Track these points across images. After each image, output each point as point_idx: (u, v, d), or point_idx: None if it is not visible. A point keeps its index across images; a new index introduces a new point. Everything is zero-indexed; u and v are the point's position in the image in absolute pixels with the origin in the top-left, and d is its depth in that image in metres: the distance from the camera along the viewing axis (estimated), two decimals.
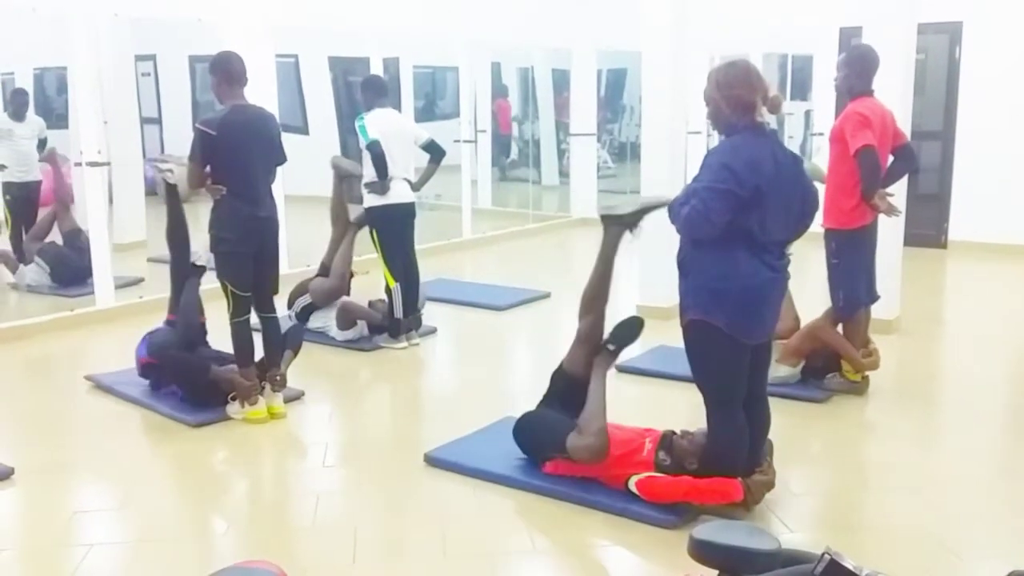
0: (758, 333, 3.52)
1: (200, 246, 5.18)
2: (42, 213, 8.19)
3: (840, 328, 5.12)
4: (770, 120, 3.49)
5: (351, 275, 6.47)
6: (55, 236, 7.97)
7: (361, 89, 6.28)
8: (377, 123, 5.91)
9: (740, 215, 3.32)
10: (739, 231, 3.35)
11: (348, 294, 6.39)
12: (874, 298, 5.19)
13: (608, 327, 4.07)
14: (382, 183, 5.88)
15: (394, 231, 6.08)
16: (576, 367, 4.03)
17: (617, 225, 4.03)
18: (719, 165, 3.35)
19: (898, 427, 4.72)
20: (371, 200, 5.99)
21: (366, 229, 6.19)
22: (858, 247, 5.00)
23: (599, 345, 4.03)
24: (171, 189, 5.21)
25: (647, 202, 4.00)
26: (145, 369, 5.14)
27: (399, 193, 6.00)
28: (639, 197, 4.62)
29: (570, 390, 4.00)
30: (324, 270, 6.42)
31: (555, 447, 3.87)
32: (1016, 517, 3.72)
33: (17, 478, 4.06)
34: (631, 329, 4.03)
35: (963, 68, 9.18)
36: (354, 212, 6.35)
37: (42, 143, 8.23)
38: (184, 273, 5.20)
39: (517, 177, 14.13)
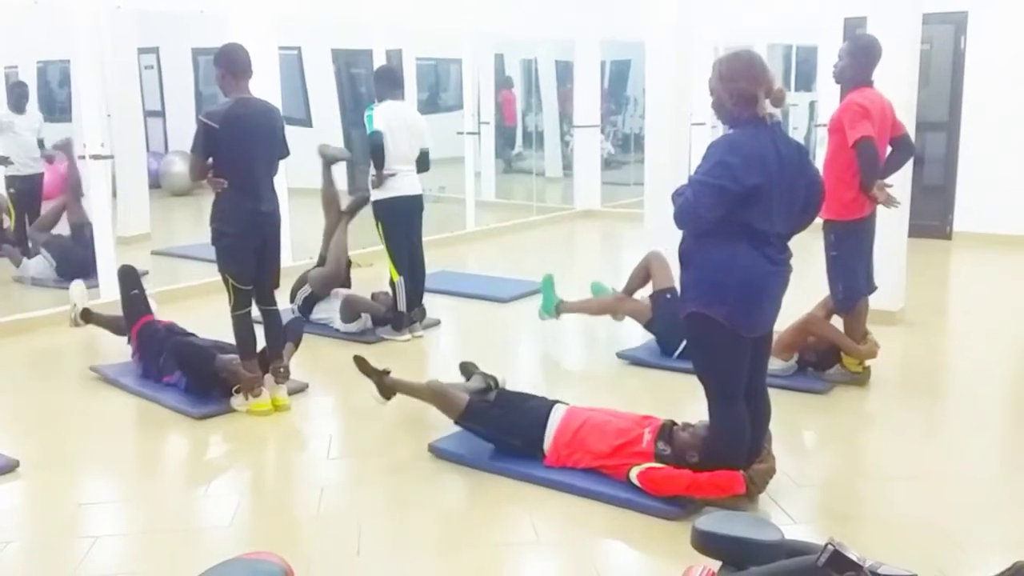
0: (758, 326, 3.51)
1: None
2: (48, 205, 8.19)
3: (839, 322, 5.10)
4: (776, 113, 3.46)
5: (349, 264, 6.47)
6: (62, 228, 7.98)
7: (375, 80, 6.23)
8: (385, 115, 5.88)
9: (740, 209, 3.30)
10: (740, 224, 3.33)
11: (348, 283, 6.40)
12: (872, 288, 5.17)
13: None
14: (378, 174, 5.87)
15: (400, 224, 6.04)
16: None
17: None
18: (716, 159, 3.32)
19: (901, 418, 4.71)
20: (377, 193, 5.98)
21: (367, 221, 6.19)
22: (857, 238, 4.96)
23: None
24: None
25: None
26: (140, 345, 5.17)
27: (406, 185, 5.98)
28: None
29: (491, 403, 4.12)
30: (322, 261, 6.43)
31: (529, 431, 3.98)
32: (1019, 508, 3.71)
33: (22, 470, 4.08)
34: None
35: (968, 58, 9.14)
36: (346, 200, 6.35)
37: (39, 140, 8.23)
38: None
39: (521, 169, 14.12)
